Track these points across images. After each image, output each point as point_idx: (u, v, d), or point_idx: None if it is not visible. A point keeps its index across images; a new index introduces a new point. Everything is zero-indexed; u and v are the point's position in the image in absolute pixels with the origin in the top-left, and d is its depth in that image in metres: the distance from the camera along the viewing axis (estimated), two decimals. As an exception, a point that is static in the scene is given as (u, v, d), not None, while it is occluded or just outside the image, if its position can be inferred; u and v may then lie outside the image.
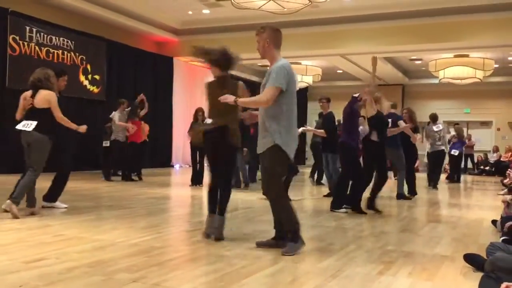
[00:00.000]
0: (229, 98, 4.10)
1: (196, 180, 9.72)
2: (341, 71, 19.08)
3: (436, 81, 17.87)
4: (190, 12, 14.08)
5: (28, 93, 5.70)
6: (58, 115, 5.61)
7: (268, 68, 4.20)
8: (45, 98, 5.59)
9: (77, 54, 13.00)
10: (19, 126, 5.51)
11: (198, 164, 9.75)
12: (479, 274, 3.14)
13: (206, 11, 13.85)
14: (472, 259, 3.66)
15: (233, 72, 13.68)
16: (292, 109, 4.02)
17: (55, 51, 12.41)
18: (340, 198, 6.65)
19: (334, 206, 6.62)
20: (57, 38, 12.44)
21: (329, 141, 8.29)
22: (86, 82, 13.32)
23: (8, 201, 5.28)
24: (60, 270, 3.23)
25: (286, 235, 4.03)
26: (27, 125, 5.44)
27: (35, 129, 5.40)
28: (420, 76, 20.01)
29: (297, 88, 4.18)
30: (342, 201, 6.63)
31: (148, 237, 4.46)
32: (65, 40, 12.67)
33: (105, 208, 6.30)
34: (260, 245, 4.18)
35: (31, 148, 5.47)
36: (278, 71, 3.97)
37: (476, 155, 18.36)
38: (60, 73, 6.35)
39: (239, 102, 4.13)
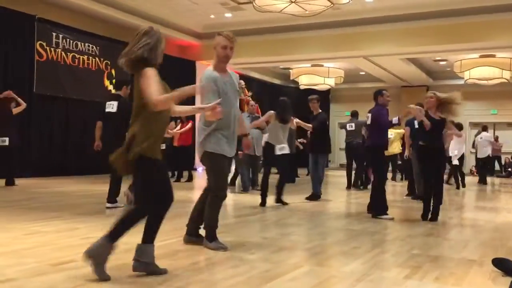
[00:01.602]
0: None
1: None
2: (363, 73, 18.93)
3: (461, 82, 17.56)
4: (212, 16, 14.17)
5: None
6: None
7: (227, 74, 4.20)
8: None
9: (102, 59, 13.23)
10: None
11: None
12: (509, 279, 3.07)
13: (228, 15, 13.92)
14: (501, 264, 3.58)
15: (255, 76, 13.84)
16: None
17: (81, 57, 12.66)
18: (384, 203, 6.35)
19: (378, 213, 6.29)
20: (82, 44, 12.69)
21: (319, 142, 8.20)
22: (110, 87, 13.52)
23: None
24: (87, 273, 3.27)
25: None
26: None
27: None
28: (445, 77, 19.69)
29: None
30: (386, 205, 6.36)
31: (173, 240, 4.49)
32: (91, 45, 12.91)
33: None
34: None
35: None
36: None
37: (503, 157, 17.98)
38: (128, 83, 6.80)
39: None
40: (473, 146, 14.05)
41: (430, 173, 6.26)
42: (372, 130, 6.58)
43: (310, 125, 8.15)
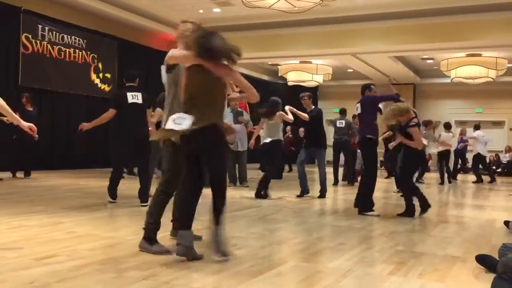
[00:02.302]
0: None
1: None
2: (351, 70, 18.99)
3: (448, 80, 17.72)
4: (200, 11, 14.09)
5: None
6: None
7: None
8: None
9: (88, 52, 13.09)
10: None
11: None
12: (491, 275, 3.11)
13: (216, 10, 13.86)
14: (484, 260, 3.62)
15: (244, 71, 13.93)
16: None
17: (67, 50, 12.51)
18: (371, 200, 6.35)
19: (365, 209, 6.27)
20: (69, 36, 12.54)
21: (315, 136, 8.06)
22: (97, 81, 13.40)
23: None
24: (71, 267, 3.25)
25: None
26: None
27: None
28: (431, 76, 19.85)
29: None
30: (372, 202, 6.35)
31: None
32: (77, 38, 12.76)
33: (117, 205, 6.33)
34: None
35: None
36: None
37: (488, 155, 18.18)
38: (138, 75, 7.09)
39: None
40: (458, 144, 14.18)
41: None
42: (362, 120, 6.52)
43: (306, 115, 8.01)
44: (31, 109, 9.95)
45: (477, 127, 14.16)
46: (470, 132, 14.77)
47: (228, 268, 3.40)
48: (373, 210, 6.30)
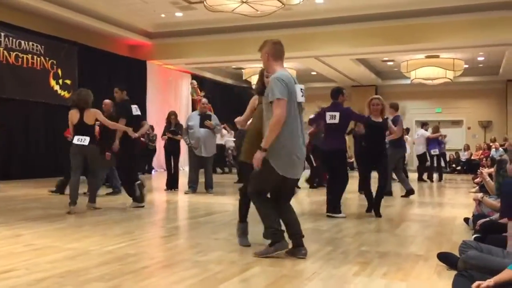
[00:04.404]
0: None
1: (171, 184, 9.64)
2: (315, 73, 19.20)
3: (408, 81, 18.15)
4: (162, 15, 13.97)
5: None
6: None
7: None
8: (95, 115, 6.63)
9: (47, 58, 12.74)
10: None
11: (173, 169, 9.67)
12: (453, 273, 3.17)
13: (179, 14, 13.76)
14: (445, 258, 3.70)
15: (207, 75, 13.93)
16: (290, 120, 3.88)
17: (25, 56, 12.15)
18: (338, 202, 6.43)
19: (333, 211, 6.33)
20: (26, 42, 12.18)
21: None
22: (57, 87, 13.05)
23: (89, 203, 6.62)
24: (29, 281, 3.14)
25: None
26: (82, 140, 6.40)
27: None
28: (392, 77, 20.31)
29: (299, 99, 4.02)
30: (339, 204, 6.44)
31: (122, 244, 4.38)
32: (35, 44, 12.41)
33: (78, 215, 6.17)
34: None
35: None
36: (272, 85, 3.95)
37: (448, 154, 18.70)
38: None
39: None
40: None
41: (368, 172, 6.74)
42: (337, 131, 6.43)
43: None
44: None
45: (422, 125, 14.40)
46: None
47: (194, 275, 3.36)
48: (340, 212, 6.37)
